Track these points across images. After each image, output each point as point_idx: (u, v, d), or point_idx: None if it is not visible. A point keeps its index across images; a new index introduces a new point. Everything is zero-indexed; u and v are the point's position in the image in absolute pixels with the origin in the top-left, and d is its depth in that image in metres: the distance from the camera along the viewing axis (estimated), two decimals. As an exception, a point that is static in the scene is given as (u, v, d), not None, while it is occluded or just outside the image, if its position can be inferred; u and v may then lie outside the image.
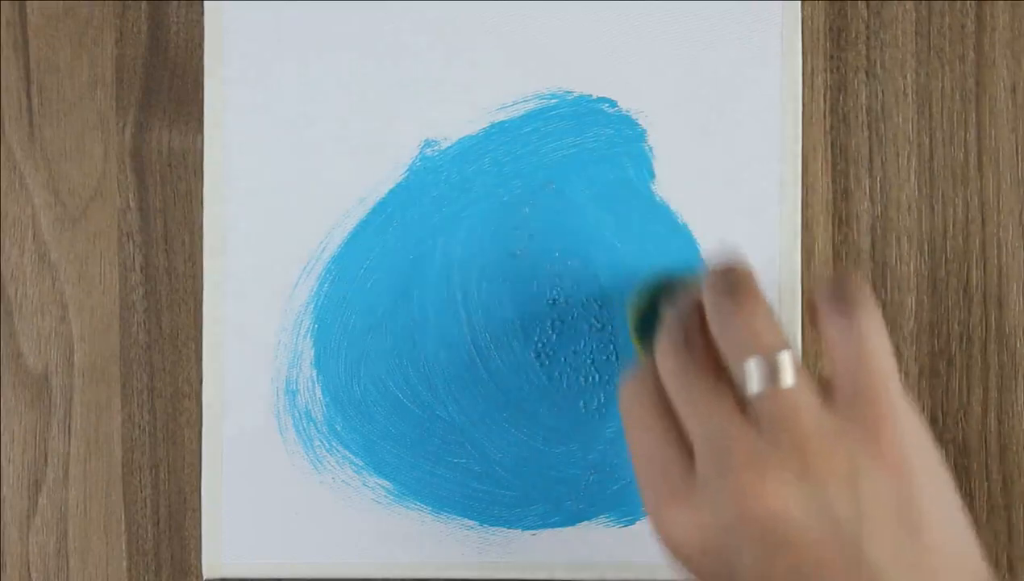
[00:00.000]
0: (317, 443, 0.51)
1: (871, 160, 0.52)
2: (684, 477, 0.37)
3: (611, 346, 0.51)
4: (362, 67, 0.51)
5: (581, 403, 0.51)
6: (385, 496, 0.51)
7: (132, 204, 0.52)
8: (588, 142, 0.51)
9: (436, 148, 0.51)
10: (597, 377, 0.51)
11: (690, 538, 0.37)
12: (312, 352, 0.51)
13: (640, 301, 0.47)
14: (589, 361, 0.51)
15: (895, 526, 0.36)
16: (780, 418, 0.37)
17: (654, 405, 0.39)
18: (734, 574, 0.36)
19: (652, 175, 0.51)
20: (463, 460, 0.51)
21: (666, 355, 0.39)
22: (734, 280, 0.38)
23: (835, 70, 0.52)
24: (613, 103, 0.51)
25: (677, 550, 0.38)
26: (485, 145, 0.51)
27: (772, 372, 0.37)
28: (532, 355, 0.51)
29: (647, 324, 0.46)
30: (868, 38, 0.52)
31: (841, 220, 0.52)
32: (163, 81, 0.52)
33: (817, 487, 0.36)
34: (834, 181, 0.52)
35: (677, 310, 0.40)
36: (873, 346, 0.37)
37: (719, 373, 0.38)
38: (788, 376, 0.37)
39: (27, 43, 0.52)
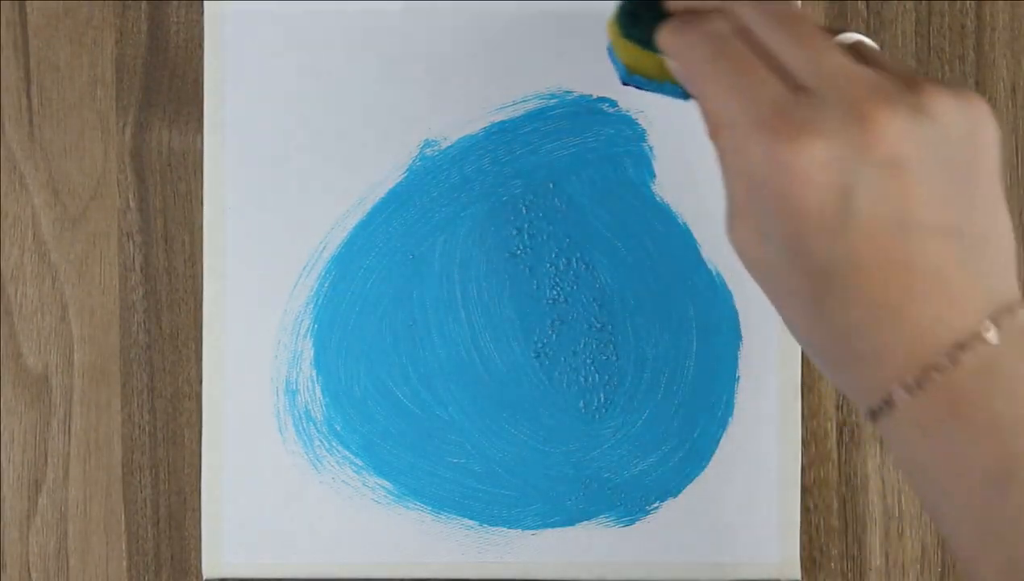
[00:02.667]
0: (317, 443, 0.51)
1: (871, 160, 0.52)
2: (799, 106, 0.35)
3: (611, 346, 0.51)
4: (362, 67, 0.51)
5: (581, 403, 0.51)
6: (385, 496, 0.51)
7: (132, 204, 0.52)
8: (588, 142, 0.51)
9: (436, 148, 0.51)
10: (597, 377, 0.51)
11: (814, 162, 0.35)
12: (312, 352, 0.51)
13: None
14: (589, 361, 0.51)
15: (972, 178, 0.36)
16: (884, 61, 0.37)
17: (740, 40, 0.37)
18: (850, 206, 0.35)
19: (652, 175, 0.51)
20: (463, 460, 0.51)
21: None
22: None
23: (835, 70, 0.52)
24: (613, 103, 0.51)
25: (801, 180, 0.35)
26: (485, 145, 0.51)
27: (861, 38, 0.38)
28: (532, 355, 0.51)
29: (636, 13, 0.41)
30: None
31: (841, 220, 0.51)
32: (163, 81, 0.52)
33: (935, 125, 0.35)
34: (834, 181, 0.51)
35: None
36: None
37: (810, 17, 0.37)
38: (875, 47, 0.38)
39: (27, 43, 0.52)
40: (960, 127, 0.36)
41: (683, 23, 0.38)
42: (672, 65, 0.39)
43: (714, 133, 0.37)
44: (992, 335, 0.35)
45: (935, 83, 0.36)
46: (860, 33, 0.39)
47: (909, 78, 0.36)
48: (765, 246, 0.36)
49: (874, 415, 0.36)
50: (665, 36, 0.39)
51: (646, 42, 0.40)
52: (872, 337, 0.36)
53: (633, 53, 0.41)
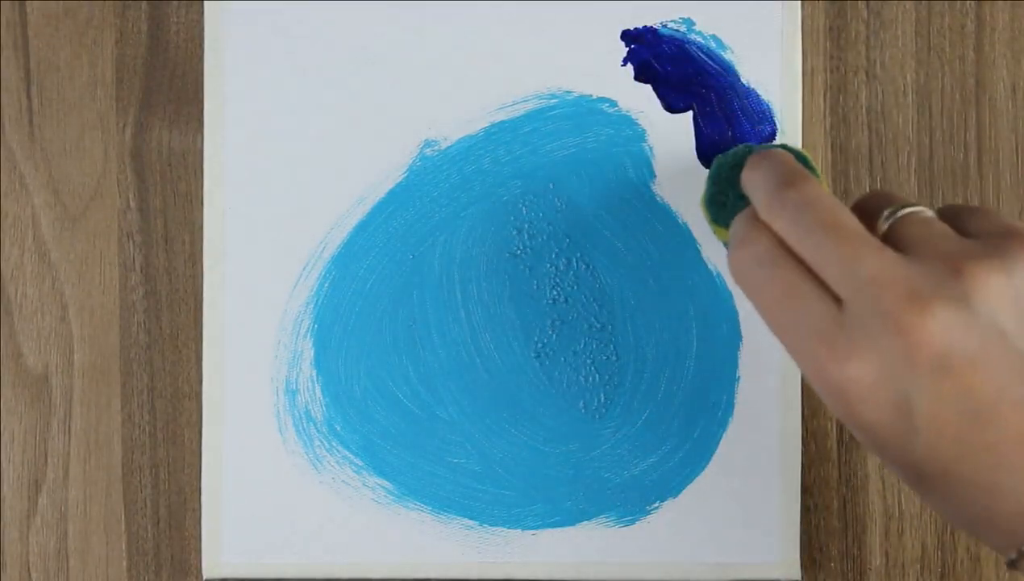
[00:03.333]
0: (317, 443, 0.51)
1: (871, 160, 0.52)
2: (838, 324, 0.36)
3: (611, 346, 0.51)
4: (362, 67, 0.51)
5: (581, 403, 0.51)
6: (385, 496, 0.51)
7: (132, 204, 0.52)
8: (588, 142, 0.51)
9: (436, 148, 0.51)
10: (597, 377, 0.51)
11: (861, 386, 0.35)
12: (312, 352, 0.51)
13: (720, 172, 0.46)
14: (589, 361, 0.51)
15: None
16: (923, 239, 0.36)
17: (783, 260, 0.37)
18: (911, 415, 0.36)
19: (652, 175, 0.51)
20: (463, 460, 0.51)
21: (783, 201, 0.38)
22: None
23: (835, 70, 0.52)
24: (613, 103, 0.51)
25: (850, 403, 0.36)
26: (485, 145, 0.51)
27: (901, 208, 0.37)
28: (532, 355, 0.51)
29: (722, 202, 0.45)
30: (868, 38, 0.52)
31: (841, 220, 0.51)
32: (163, 81, 0.52)
33: (980, 307, 0.35)
34: (834, 181, 0.52)
35: (772, 159, 0.40)
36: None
37: (852, 222, 0.37)
38: (918, 210, 0.38)
39: (27, 43, 0.52)
40: (1014, 295, 0.36)
41: (743, 240, 0.39)
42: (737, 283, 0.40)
43: (783, 344, 0.38)
44: None
45: (979, 258, 0.36)
46: (913, 205, 0.38)
47: (952, 260, 0.36)
48: (865, 442, 0.38)
49: (1012, 565, 0.37)
50: (730, 257, 0.40)
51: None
52: (983, 513, 0.36)
53: (725, 236, 0.45)
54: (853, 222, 0.37)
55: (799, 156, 0.46)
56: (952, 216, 0.40)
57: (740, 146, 0.46)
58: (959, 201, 0.52)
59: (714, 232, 0.46)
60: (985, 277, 0.35)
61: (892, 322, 0.35)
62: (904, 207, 0.39)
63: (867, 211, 0.39)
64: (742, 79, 0.51)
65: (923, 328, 0.35)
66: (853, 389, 0.36)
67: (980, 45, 0.52)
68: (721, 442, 0.51)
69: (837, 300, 0.36)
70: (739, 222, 0.40)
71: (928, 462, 0.36)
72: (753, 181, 0.40)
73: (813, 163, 0.46)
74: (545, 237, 0.51)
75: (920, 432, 0.36)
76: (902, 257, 0.36)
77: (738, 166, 0.44)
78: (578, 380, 0.51)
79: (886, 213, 0.39)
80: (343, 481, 0.51)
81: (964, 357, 0.35)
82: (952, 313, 0.35)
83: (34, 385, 0.51)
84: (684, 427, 0.51)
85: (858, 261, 0.36)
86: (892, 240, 0.38)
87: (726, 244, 0.44)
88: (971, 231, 0.38)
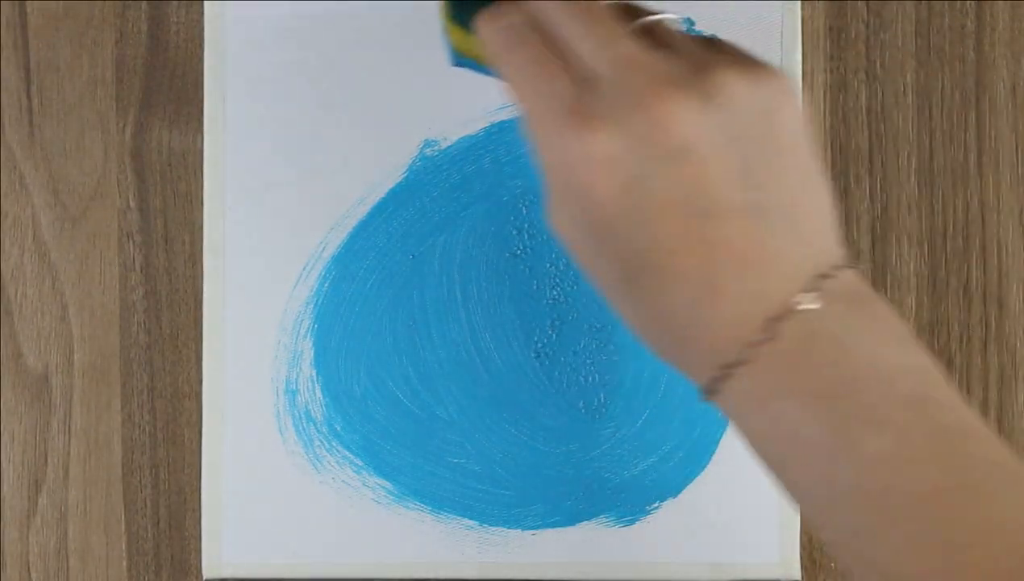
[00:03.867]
0: (317, 443, 0.51)
1: (871, 160, 0.52)
2: (590, 100, 0.36)
3: (611, 346, 0.51)
4: (362, 67, 0.51)
5: (581, 403, 0.51)
6: (385, 496, 0.51)
7: (132, 204, 0.52)
8: (588, 142, 0.51)
9: (436, 148, 0.51)
10: (597, 377, 0.51)
11: (598, 154, 0.35)
12: (312, 352, 0.51)
13: None
14: (589, 361, 0.51)
15: (772, 153, 0.36)
16: (679, 42, 0.37)
17: (535, 33, 0.38)
18: (641, 197, 0.36)
19: (652, 175, 0.51)
20: (463, 460, 0.51)
21: None
22: None
23: (835, 70, 0.52)
24: (613, 103, 0.51)
25: (587, 171, 0.36)
26: (485, 145, 0.51)
27: (658, 12, 0.38)
28: (532, 355, 0.51)
29: (464, 4, 0.41)
30: (868, 38, 0.52)
31: (841, 220, 0.52)
32: (163, 81, 0.52)
33: (722, 107, 0.35)
34: (834, 181, 0.52)
35: None
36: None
37: (599, 4, 0.37)
38: (677, 19, 0.38)
39: (27, 43, 0.52)
40: (754, 106, 0.36)
41: (494, 12, 0.39)
42: (486, 54, 0.39)
43: (523, 122, 0.38)
44: (807, 303, 0.35)
45: (727, 64, 0.36)
46: (664, 12, 0.39)
47: (702, 61, 0.36)
48: (578, 232, 0.37)
49: (708, 393, 0.36)
50: (479, 24, 0.39)
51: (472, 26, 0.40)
52: (691, 319, 0.36)
53: (461, 37, 0.41)
54: (609, 10, 0.38)
55: None
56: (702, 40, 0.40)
57: None
58: (959, 201, 0.52)
59: (446, 34, 0.42)
60: (733, 81, 0.36)
61: (641, 101, 0.35)
62: (656, 13, 0.39)
63: (617, 16, 0.39)
64: (742, 79, 0.51)
65: (669, 113, 0.35)
66: (594, 161, 0.36)
67: (980, 45, 0.52)
68: (721, 442, 0.51)
69: (585, 78, 0.37)
70: (491, 6, 0.39)
71: (648, 253, 0.36)
72: None
73: None
74: (545, 237, 0.51)
75: (647, 217, 0.36)
76: (656, 48, 0.37)
77: None
78: (578, 380, 0.51)
79: (639, 19, 0.38)
80: (343, 481, 0.51)
81: (701, 150, 0.35)
82: (697, 104, 0.35)
83: (34, 385, 0.51)
84: (684, 427, 0.51)
85: (615, 40, 0.36)
86: (643, 37, 0.38)
87: (455, 52, 0.42)
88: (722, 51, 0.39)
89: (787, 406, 0.35)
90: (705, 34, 0.41)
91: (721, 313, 0.36)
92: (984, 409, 0.51)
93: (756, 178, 0.36)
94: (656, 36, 0.37)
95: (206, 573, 0.51)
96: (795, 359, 0.35)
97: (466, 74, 0.51)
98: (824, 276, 0.36)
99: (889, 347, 0.36)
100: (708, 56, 0.36)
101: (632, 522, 0.51)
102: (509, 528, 0.51)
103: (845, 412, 0.35)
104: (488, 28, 0.39)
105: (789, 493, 0.36)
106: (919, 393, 0.35)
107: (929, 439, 0.35)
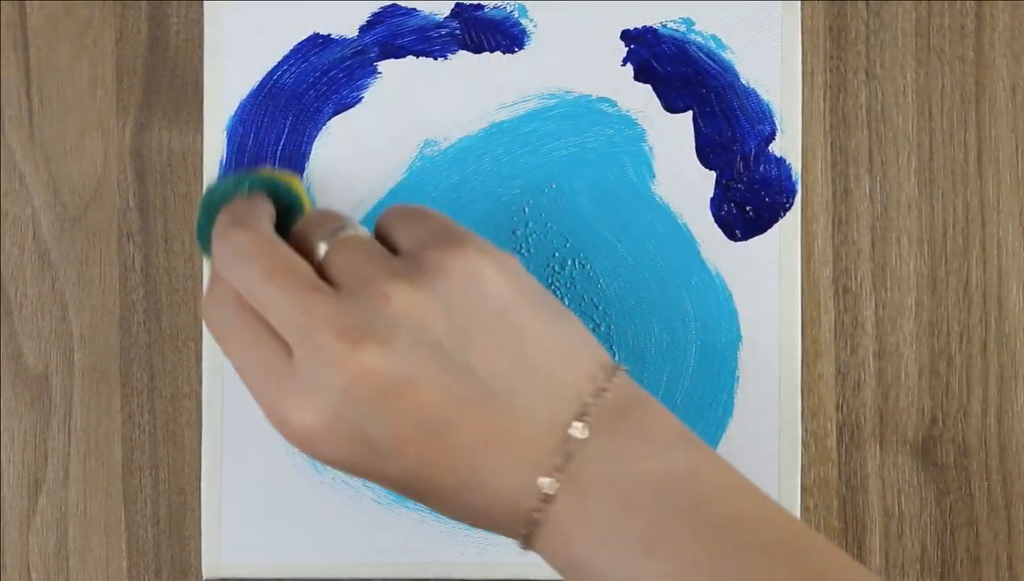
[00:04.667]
0: (317, 443, 0.51)
1: (871, 160, 0.52)
2: (287, 370, 0.37)
3: (611, 346, 0.51)
4: (361, 66, 0.51)
5: (581, 403, 0.51)
6: (385, 496, 0.51)
7: (132, 204, 0.52)
8: (588, 142, 0.51)
9: (436, 148, 0.51)
10: (597, 377, 0.51)
11: (314, 428, 0.36)
12: (312, 352, 0.51)
13: (212, 201, 0.44)
14: (589, 361, 0.51)
15: (496, 333, 0.37)
16: (352, 267, 0.37)
17: (238, 310, 0.38)
18: (372, 444, 0.37)
19: (652, 175, 0.51)
20: (463, 460, 0.51)
21: (223, 252, 0.38)
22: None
23: (835, 70, 0.52)
24: (613, 103, 0.51)
25: (310, 445, 0.37)
26: (485, 145, 0.51)
27: (337, 231, 0.38)
28: (532, 355, 0.51)
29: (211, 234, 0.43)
30: (868, 38, 0.52)
31: (841, 220, 0.52)
32: (163, 81, 0.52)
33: (408, 329, 0.36)
34: (834, 181, 0.52)
35: (228, 211, 0.40)
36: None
37: (289, 265, 0.38)
38: (352, 231, 0.38)
39: (27, 43, 0.52)
40: (442, 305, 0.37)
41: (209, 291, 0.39)
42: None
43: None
44: (548, 487, 0.37)
45: (402, 280, 0.36)
46: (347, 225, 0.39)
47: (379, 287, 0.36)
48: (347, 470, 0.39)
49: (528, 549, 0.39)
50: (203, 304, 0.41)
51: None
52: (478, 510, 0.38)
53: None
54: (291, 263, 0.38)
55: (277, 186, 0.44)
56: (387, 229, 0.40)
57: (230, 176, 0.45)
58: (959, 201, 0.52)
59: (208, 263, 0.44)
60: (409, 298, 0.36)
61: (328, 362, 0.36)
62: (339, 230, 0.39)
63: (308, 236, 0.40)
64: (742, 79, 0.51)
65: (357, 363, 0.35)
66: (310, 432, 0.37)
67: (980, 45, 0.52)
68: (721, 442, 0.51)
69: (286, 350, 0.37)
70: (210, 268, 0.40)
71: (406, 479, 0.38)
72: (214, 231, 0.40)
73: (297, 190, 0.44)
74: (545, 237, 0.51)
75: (386, 456, 0.37)
76: (333, 292, 0.37)
77: (228, 197, 0.43)
78: (578, 380, 0.51)
79: (322, 239, 0.39)
80: (343, 481, 0.51)
81: (401, 379, 0.36)
82: (382, 341, 0.36)
83: (34, 385, 0.51)
84: (684, 427, 0.51)
85: (293, 305, 0.36)
86: (328, 268, 0.38)
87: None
88: (403, 245, 0.39)
89: (580, 546, 0.37)
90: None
91: (497, 500, 0.37)
92: (984, 409, 0.51)
93: (474, 359, 0.37)
94: (335, 259, 0.38)
95: (206, 573, 0.51)
96: (556, 540, 0.38)
97: (466, 74, 0.51)
98: (583, 413, 0.37)
99: (659, 460, 0.37)
100: (384, 276, 0.37)
101: (632, 522, 0.51)
102: (509, 528, 0.51)
103: (624, 540, 0.36)
104: (204, 304, 0.40)
105: None
106: (689, 502, 0.37)
107: (699, 544, 0.36)
